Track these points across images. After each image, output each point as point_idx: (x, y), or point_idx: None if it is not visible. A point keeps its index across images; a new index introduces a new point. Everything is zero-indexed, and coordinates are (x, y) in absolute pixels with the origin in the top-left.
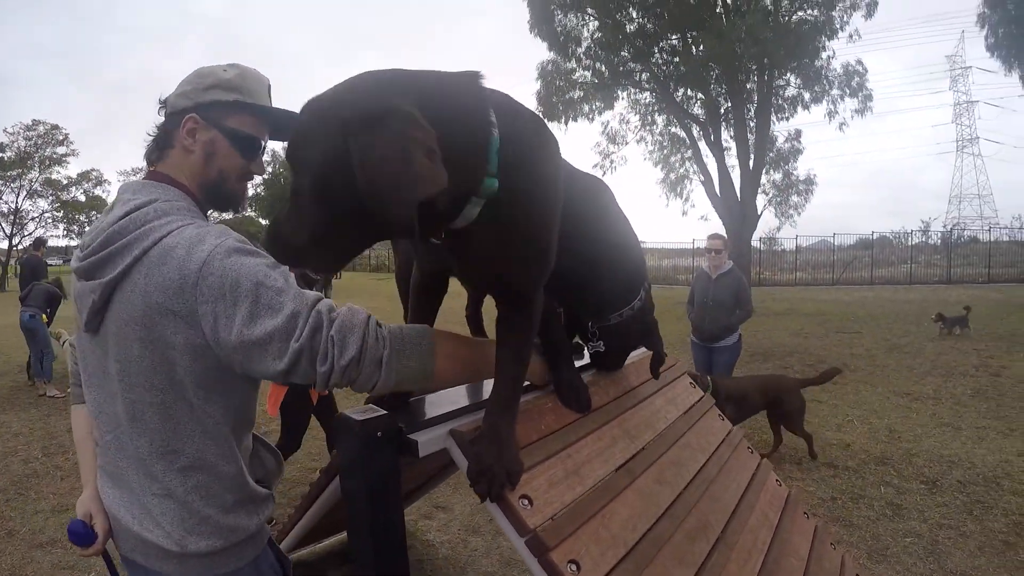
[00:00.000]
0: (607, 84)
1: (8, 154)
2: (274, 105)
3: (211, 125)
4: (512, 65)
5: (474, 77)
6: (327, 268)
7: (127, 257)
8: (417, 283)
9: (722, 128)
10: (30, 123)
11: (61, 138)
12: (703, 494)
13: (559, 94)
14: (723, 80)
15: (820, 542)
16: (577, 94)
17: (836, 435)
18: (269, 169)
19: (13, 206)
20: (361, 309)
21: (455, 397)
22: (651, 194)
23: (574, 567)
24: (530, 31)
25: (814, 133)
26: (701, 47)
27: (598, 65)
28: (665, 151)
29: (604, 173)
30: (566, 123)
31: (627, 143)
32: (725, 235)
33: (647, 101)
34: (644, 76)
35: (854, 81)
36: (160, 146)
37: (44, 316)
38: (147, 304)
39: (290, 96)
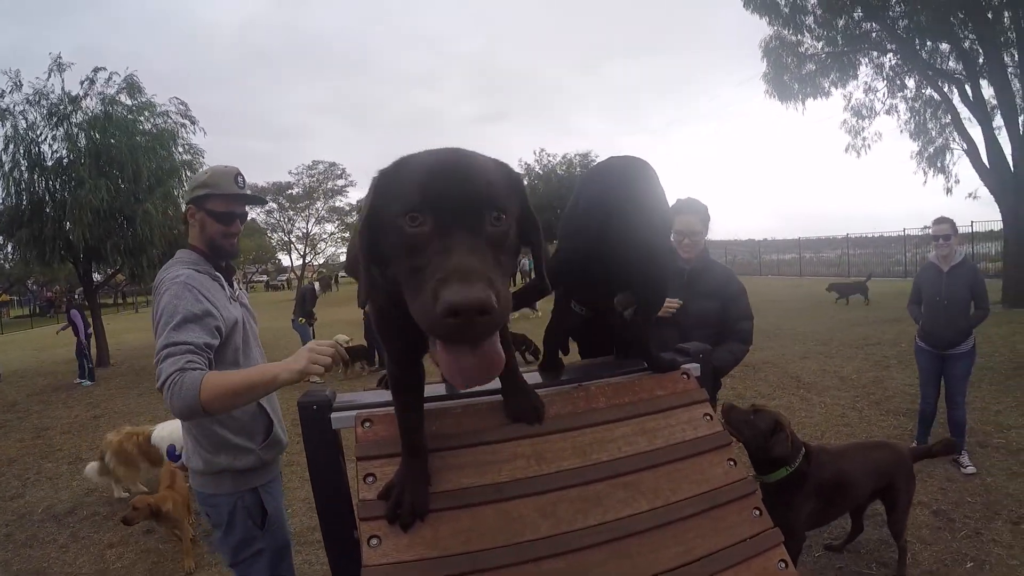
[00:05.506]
0: (843, 51)
1: (296, 190)
2: (243, 188)
3: (200, 209)
4: (727, 48)
5: None
6: None
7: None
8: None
9: (983, 84)
10: (311, 163)
11: (339, 172)
12: (602, 544)
13: (790, 71)
14: (970, 24)
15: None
16: (809, 68)
17: None
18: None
19: (305, 231)
20: (185, 367)
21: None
22: (906, 173)
23: (376, 541)
24: (745, 7)
25: None
26: None
27: (830, 32)
28: (918, 118)
29: (858, 154)
30: (803, 102)
31: (876, 114)
32: (953, 219)
33: (891, 64)
34: (883, 36)
35: None
36: (185, 225)
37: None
38: None
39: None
